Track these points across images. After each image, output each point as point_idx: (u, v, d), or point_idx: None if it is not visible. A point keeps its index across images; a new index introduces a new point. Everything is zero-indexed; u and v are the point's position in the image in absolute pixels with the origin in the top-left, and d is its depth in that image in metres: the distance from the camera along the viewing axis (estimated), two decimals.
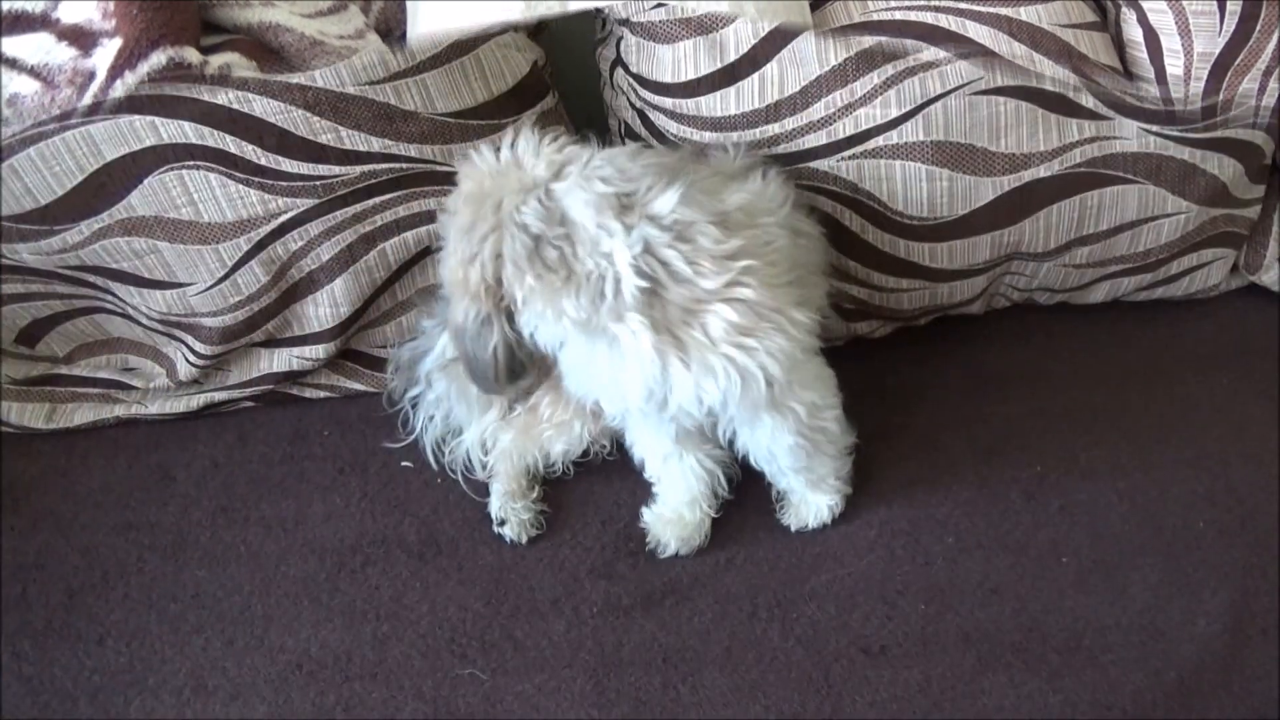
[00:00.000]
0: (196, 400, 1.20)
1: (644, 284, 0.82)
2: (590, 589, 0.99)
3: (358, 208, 1.08)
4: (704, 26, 1.04)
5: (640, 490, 1.05)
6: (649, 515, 1.03)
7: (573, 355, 0.88)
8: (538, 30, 1.15)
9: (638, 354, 0.83)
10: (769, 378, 0.85)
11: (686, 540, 1.01)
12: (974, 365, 1.17)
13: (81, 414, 1.21)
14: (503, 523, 1.04)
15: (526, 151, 0.86)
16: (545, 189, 0.83)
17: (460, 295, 0.86)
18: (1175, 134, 1.05)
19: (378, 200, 1.08)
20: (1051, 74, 1.02)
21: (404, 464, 1.12)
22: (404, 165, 1.06)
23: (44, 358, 1.24)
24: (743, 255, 0.84)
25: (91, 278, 1.13)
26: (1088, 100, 1.03)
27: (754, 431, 0.95)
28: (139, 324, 1.19)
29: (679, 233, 0.83)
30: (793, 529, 1.03)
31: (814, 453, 0.97)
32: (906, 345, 1.19)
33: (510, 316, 0.86)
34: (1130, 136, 1.05)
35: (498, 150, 0.87)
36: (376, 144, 1.04)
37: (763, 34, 1.02)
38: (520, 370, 0.90)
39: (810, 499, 1.02)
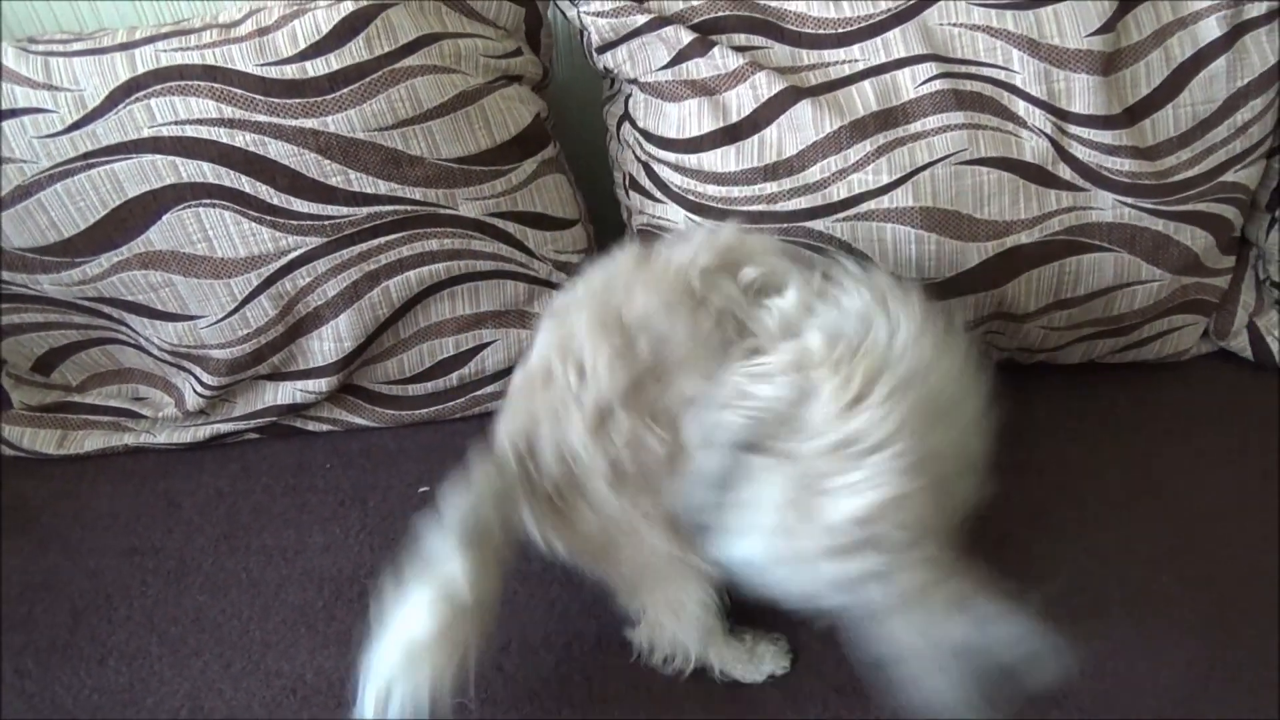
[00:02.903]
0: (204, 431, 1.23)
1: None
2: (581, 627, 1.01)
3: (363, 247, 1.11)
4: (708, 89, 1.09)
5: None
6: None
7: None
8: (542, 85, 1.20)
9: None
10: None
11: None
12: None
13: (92, 441, 1.24)
14: None
15: None
16: None
17: None
18: (1149, 206, 1.10)
19: (383, 240, 1.11)
20: (1031, 145, 1.07)
21: (421, 489, 1.15)
22: (409, 207, 1.10)
23: (58, 386, 1.28)
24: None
25: (107, 309, 1.17)
26: (1065, 172, 1.08)
27: None
28: (150, 354, 1.23)
29: None
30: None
31: None
32: None
33: None
34: (1106, 207, 1.09)
35: None
36: (383, 186, 1.08)
37: (763, 100, 1.07)
38: None
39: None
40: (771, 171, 1.08)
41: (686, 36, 1.09)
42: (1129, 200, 1.09)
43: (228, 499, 1.17)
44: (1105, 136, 1.07)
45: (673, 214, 1.15)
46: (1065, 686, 0.93)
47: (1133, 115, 1.07)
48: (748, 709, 0.94)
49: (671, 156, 1.12)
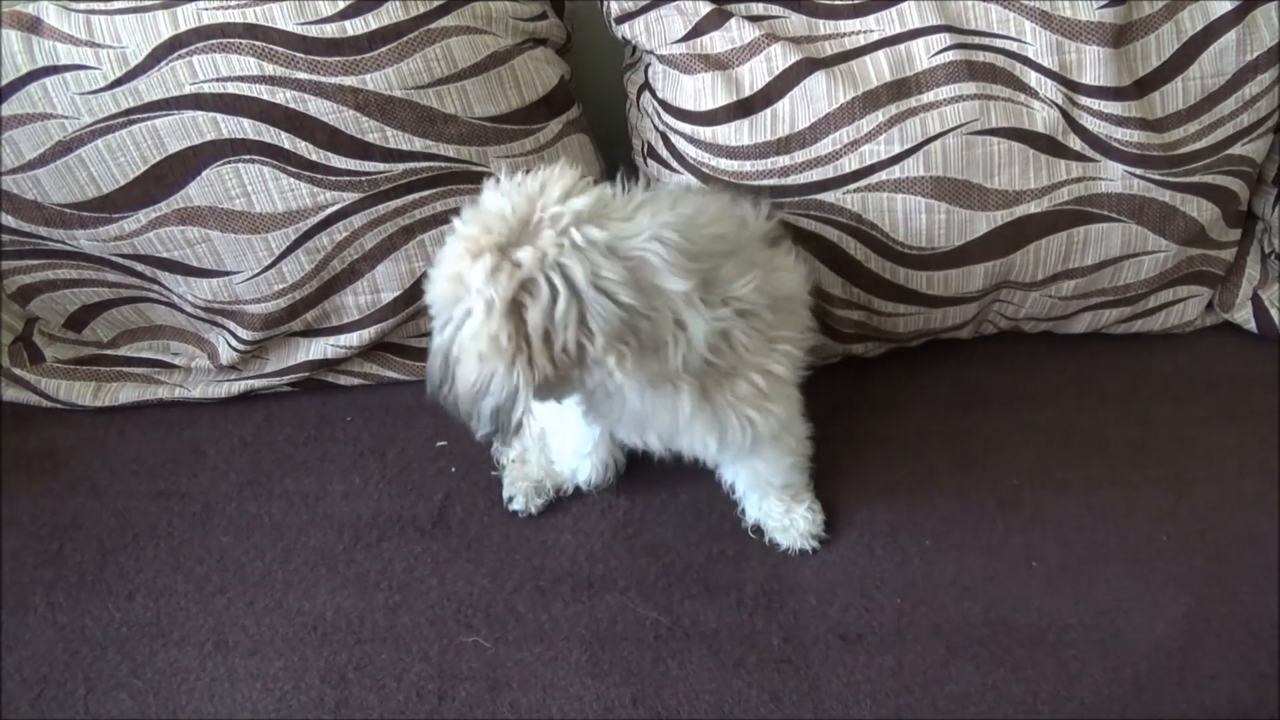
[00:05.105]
0: (237, 386, 1.25)
1: (712, 359, 0.83)
2: (589, 570, 1.04)
3: (399, 202, 1.13)
4: (721, 63, 1.10)
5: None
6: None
7: (605, 396, 0.86)
8: (565, 49, 1.22)
9: (678, 407, 0.86)
10: (771, 433, 0.92)
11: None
12: (960, 384, 1.22)
13: (126, 393, 1.26)
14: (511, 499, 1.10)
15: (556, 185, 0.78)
16: (609, 246, 0.76)
17: (490, 359, 0.75)
18: (1157, 177, 1.11)
19: (417, 196, 1.13)
20: (1043, 116, 1.09)
21: (439, 443, 1.18)
22: (443, 164, 1.12)
23: (89, 342, 1.30)
24: (782, 340, 0.89)
25: (140, 267, 1.18)
26: (1075, 143, 1.10)
27: (751, 461, 1.00)
28: (182, 312, 1.25)
29: (746, 313, 0.85)
30: (795, 549, 1.05)
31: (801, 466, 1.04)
32: (898, 362, 1.24)
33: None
34: (1114, 178, 1.11)
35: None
36: (419, 144, 1.10)
37: (777, 72, 1.08)
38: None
39: (793, 513, 1.06)
40: (784, 145, 1.10)
41: (704, 8, 1.11)
42: (1137, 171, 1.11)
43: (252, 448, 1.20)
44: (1115, 108, 1.08)
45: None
46: (1064, 634, 0.96)
47: (1142, 87, 1.09)
48: (753, 648, 0.97)
49: (687, 128, 1.13)
